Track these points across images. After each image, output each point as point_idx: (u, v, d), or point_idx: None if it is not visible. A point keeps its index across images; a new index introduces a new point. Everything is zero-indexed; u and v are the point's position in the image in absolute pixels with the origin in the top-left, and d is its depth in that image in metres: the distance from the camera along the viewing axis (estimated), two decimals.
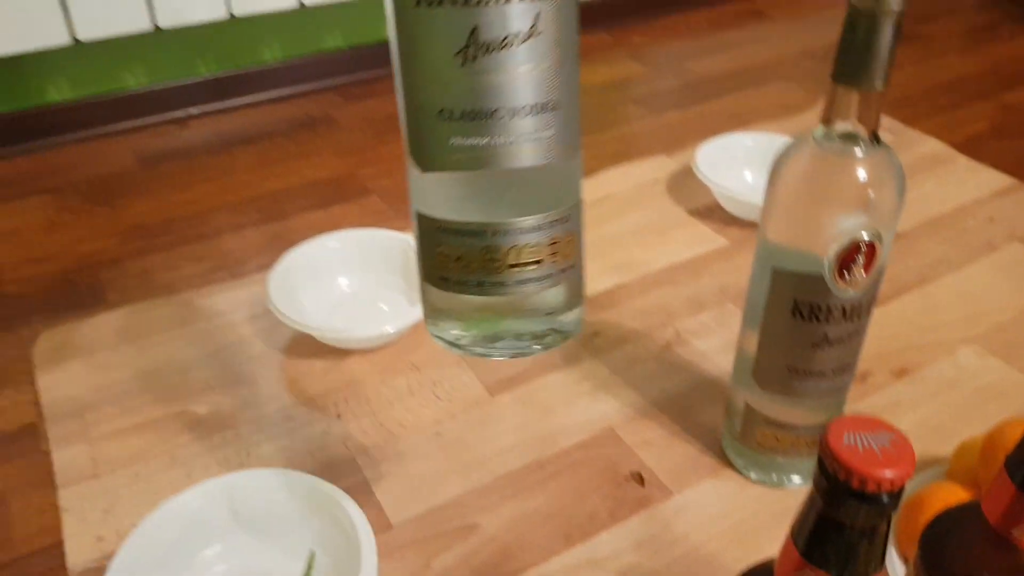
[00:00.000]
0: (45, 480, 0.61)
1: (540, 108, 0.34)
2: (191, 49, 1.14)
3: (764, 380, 0.54)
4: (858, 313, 0.50)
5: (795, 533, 0.29)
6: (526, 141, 0.34)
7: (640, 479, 0.60)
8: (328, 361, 0.71)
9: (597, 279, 0.82)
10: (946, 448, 0.58)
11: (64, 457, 0.62)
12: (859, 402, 0.67)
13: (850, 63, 0.44)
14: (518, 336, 0.39)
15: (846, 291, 0.49)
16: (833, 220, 0.47)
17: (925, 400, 0.67)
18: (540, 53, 0.33)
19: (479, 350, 0.39)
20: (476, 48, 0.32)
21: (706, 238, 0.88)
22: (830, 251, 0.47)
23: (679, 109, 1.20)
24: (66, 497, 0.59)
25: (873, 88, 0.45)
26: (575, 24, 0.35)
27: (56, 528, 0.57)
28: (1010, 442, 0.50)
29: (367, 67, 1.28)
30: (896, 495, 0.26)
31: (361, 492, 0.58)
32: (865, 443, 0.26)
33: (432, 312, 0.40)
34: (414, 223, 0.38)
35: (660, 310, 0.78)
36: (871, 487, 0.26)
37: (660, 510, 0.58)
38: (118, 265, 0.85)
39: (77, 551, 0.55)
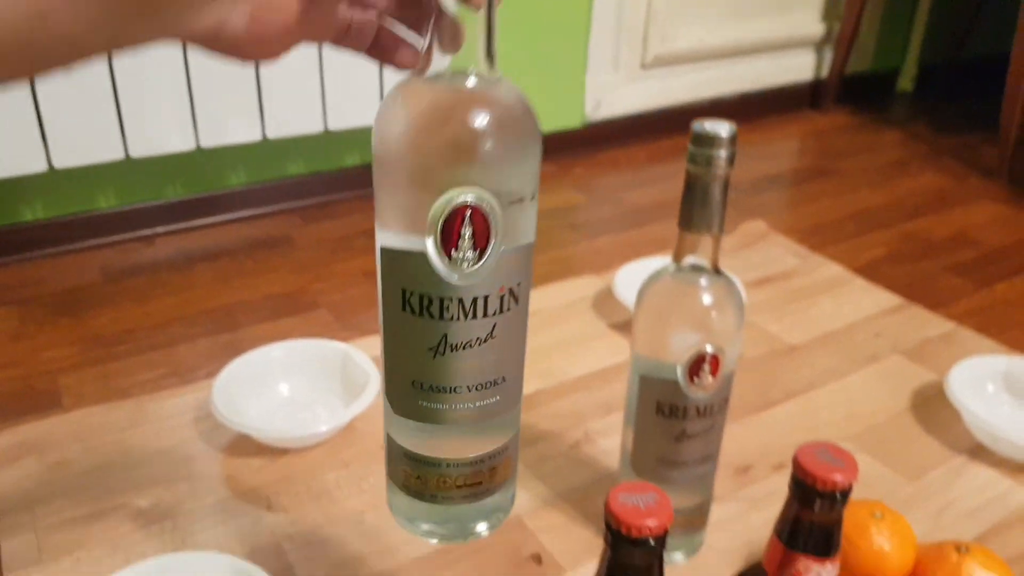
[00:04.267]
0: None
1: (491, 384, 0.42)
2: (160, 174, 1.25)
3: (640, 470, 0.62)
4: (711, 411, 0.59)
5: None
6: (477, 406, 0.43)
7: (539, 560, 0.66)
8: (264, 459, 0.77)
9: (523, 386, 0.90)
10: None
11: (12, 545, 0.67)
12: (740, 490, 0.75)
13: (690, 214, 0.55)
14: (464, 525, 0.47)
15: (697, 393, 0.58)
16: (683, 336, 0.57)
17: None
18: (495, 350, 0.41)
19: (428, 532, 0.48)
20: (445, 347, 0.40)
21: (621, 349, 0.97)
22: (682, 361, 0.57)
23: (611, 235, 1.32)
24: None
25: (711, 232, 0.55)
26: (525, 322, 0.43)
27: None
28: None
29: (326, 192, 1.40)
30: (660, 539, 0.34)
31: (284, 574, 0.64)
32: (634, 502, 0.34)
33: (394, 504, 0.49)
34: (386, 438, 0.47)
35: (573, 413, 0.86)
36: (639, 533, 0.34)
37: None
38: (76, 371, 0.92)
39: None
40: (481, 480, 0.45)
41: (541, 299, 1.08)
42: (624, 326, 1.02)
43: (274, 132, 1.22)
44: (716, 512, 0.71)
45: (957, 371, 0.85)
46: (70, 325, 1.01)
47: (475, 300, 0.39)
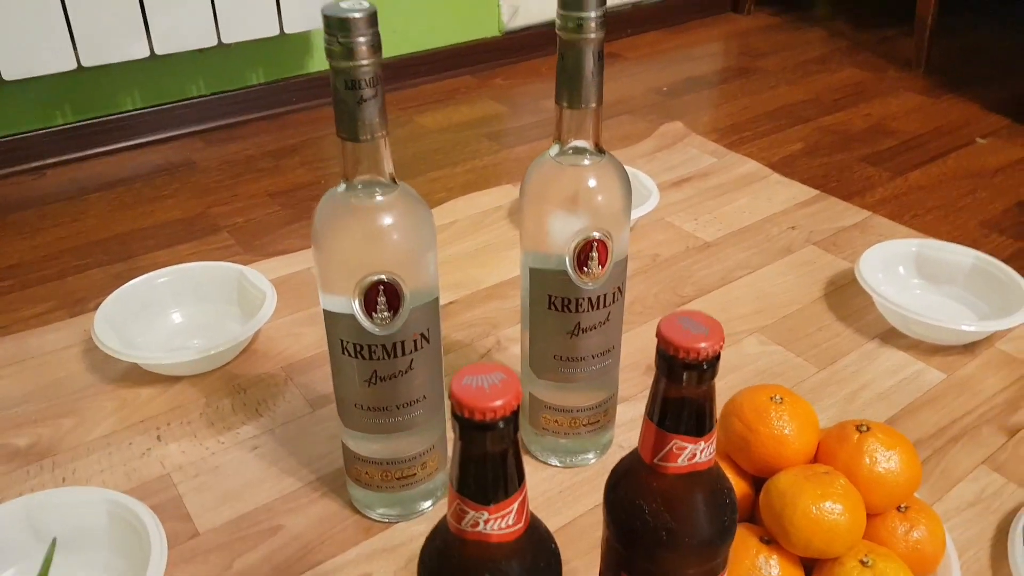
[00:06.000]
0: None
1: (414, 402, 0.54)
2: (46, 101, 1.16)
3: (538, 369, 0.60)
4: (604, 302, 0.56)
5: (450, 475, 0.34)
6: (405, 419, 0.55)
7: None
8: (155, 389, 0.73)
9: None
10: None
11: None
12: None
13: (566, 87, 0.51)
14: (406, 506, 0.60)
15: (587, 283, 0.55)
16: (568, 222, 0.54)
17: None
18: (416, 378, 0.53)
19: (382, 515, 0.61)
20: (376, 379, 0.52)
21: None
22: (568, 250, 0.54)
23: (529, 143, 1.28)
24: None
25: (588, 106, 0.51)
26: (440, 355, 0.55)
27: None
28: (738, 408, 0.56)
29: (229, 113, 1.32)
30: (510, 419, 0.31)
31: (171, 506, 0.61)
32: (479, 383, 0.31)
33: (355, 494, 0.61)
34: (343, 446, 0.59)
35: (486, 321, 0.83)
36: (485, 416, 0.31)
37: None
38: None
39: None
40: (416, 471, 0.58)
41: (455, 211, 1.05)
42: None
43: (164, 48, 1.14)
44: (625, 411, 0.70)
45: (868, 256, 0.85)
46: None
47: (395, 344, 0.51)
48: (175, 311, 0.81)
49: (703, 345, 0.34)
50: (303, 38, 1.35)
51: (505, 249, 0.96)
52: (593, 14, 0.47)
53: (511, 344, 0.80)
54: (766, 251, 0.96)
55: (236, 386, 0.74)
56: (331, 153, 1.24)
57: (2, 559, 0.54)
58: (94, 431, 0.69)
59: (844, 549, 0.50)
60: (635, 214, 0.94)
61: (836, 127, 1.32)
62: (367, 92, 0.45)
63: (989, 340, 0.80)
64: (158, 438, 0.68)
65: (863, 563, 0.49)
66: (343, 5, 0.43)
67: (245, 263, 0.89)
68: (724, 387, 0.74)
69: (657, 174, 1.12)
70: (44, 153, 1.18)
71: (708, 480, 0.38)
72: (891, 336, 0.81)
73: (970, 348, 0.79)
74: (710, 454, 0.37)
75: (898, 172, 1.17)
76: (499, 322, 0.83)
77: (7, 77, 1.04)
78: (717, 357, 0.34)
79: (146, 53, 1.14)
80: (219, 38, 1.18)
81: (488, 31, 1.56)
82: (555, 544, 0.37)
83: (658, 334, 0.35)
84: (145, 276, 0.81)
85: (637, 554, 0.39)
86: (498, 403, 0.31)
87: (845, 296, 0.87)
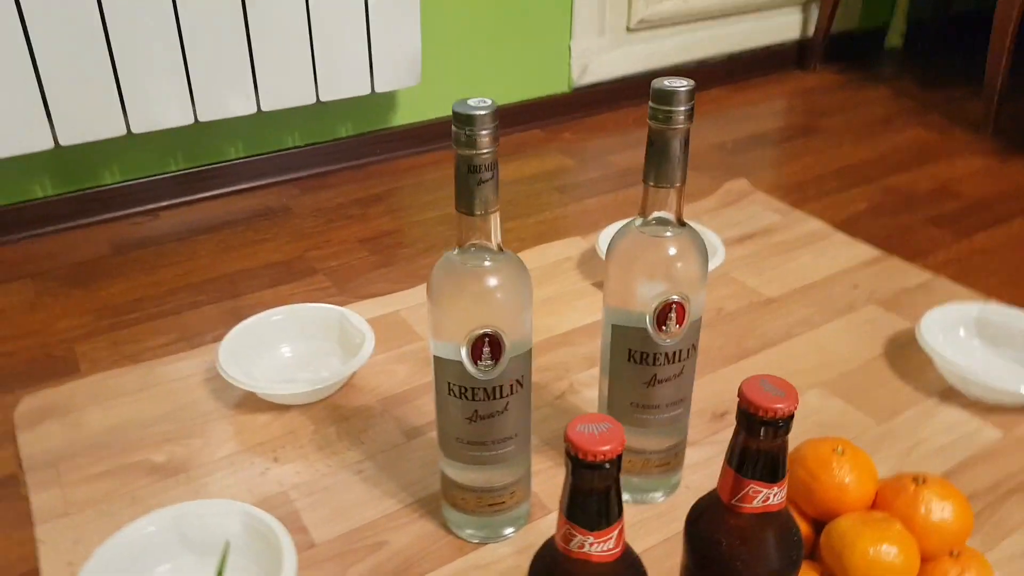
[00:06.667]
0: (24, 520, 0.71)
1: (508, 439, 0.62)
2: (162, 149, 1.29)
3: (615, 414, 0.67)
4: (679, 357, 0.63)
5: (560, 503, 0.41)
6: (499, 452, 0.62)
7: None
8: (270, 415, 0.82)
9: None
10: None
11: (40, 499, 0.72)
12: (715, 435, 0.80)
13: (654, 168, 0.59)
14: (494, 530, 0.68)
15: (665, 340, 0.62)
16: (650, 286, 0.61)
17: None
18: (511, 417, 0.61)
19: (470, 535, 0.68)
20: (477, 418, 0.60)
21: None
22: (649, 310, 0.61)
23: (598, 196, 1.35)
24: (42, 532, 0.69)
25: (673, 185, 0.59)
26: (530, 398, 0.63)
27: (32, 558, 0.67)
28: (802, 458, 0.62)
29: (321, 163, 1.43)
30: (614, 462, 0.39)
31: (290, 520, 0.69)
32: (590, 431, 0.39)
33: (450, 516, 0.69)
34: (441, 473, 0.67)
35: (559, 366, 0.91)
36: (595, 457, 0.38)
37: (542, 521, 0.69)
38: (90, 339, 0.96)
39: (49, 575, 0.65)
40: (505, 499, 0.66)
41: (529, 260, 1.11)
42: None
43: (269, 105, 1.26)
44: (692, 455, 0.76)
45: (929, 317, 0.90)
46: (82, 296, 1.05)
47: (495, 388, 0.59)
48: (285, 346, 0.91)
49: (780, 406, 0.40)
50: (390, 96, 1.46)
51: (575, 299, 1.04)
52: (682, 108, 0.55)
53: (583, 388, 0.87)
54: (828, 308, 1.01)
55: (340, 416, 0.82)
56: (409, 203, 1.33)
57: (155, 558, 0.63)
58: (219, 451, 0.78)
59: None
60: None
61: (901, 187, 1.37)
62: (485, 175, 0.53)
63: None
64: (275, 459, 0.77)
65: None
66: (470, 102, 0.52)
67: (341, 304, 0.98)
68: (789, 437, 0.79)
69: (722, 230, 1.18)
70: (159, 197, 1.30)
71: (779, 521, 0.44)
72: (950, 395, 0.85)
73: None
74: (781, 498, 0.44)
75: (963, 234, 1.21)
76: (571, 367, 0.90)
77: (135, 131, 1.17)
78: (791, 416, 0.41)
79: (254, 110, 1.26)
80: (317, 96, 1.30)
81: (559, 87, 1.65)
82: (644, 568, 0.44)
83: (740, 394, 0.42)
84: (261, 314, 0.90)
85: None
86: (607, 448, 0.38)
87: (906, 355, 0.91)
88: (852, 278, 1.08)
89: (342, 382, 0.85)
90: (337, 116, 1.43)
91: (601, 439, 0.38)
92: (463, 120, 0.51)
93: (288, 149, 1.41)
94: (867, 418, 0.82)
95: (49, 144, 1.10)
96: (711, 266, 1.01)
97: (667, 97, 0.55)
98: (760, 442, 0.42)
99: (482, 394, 0.59)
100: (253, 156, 1.37)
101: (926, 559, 0.58)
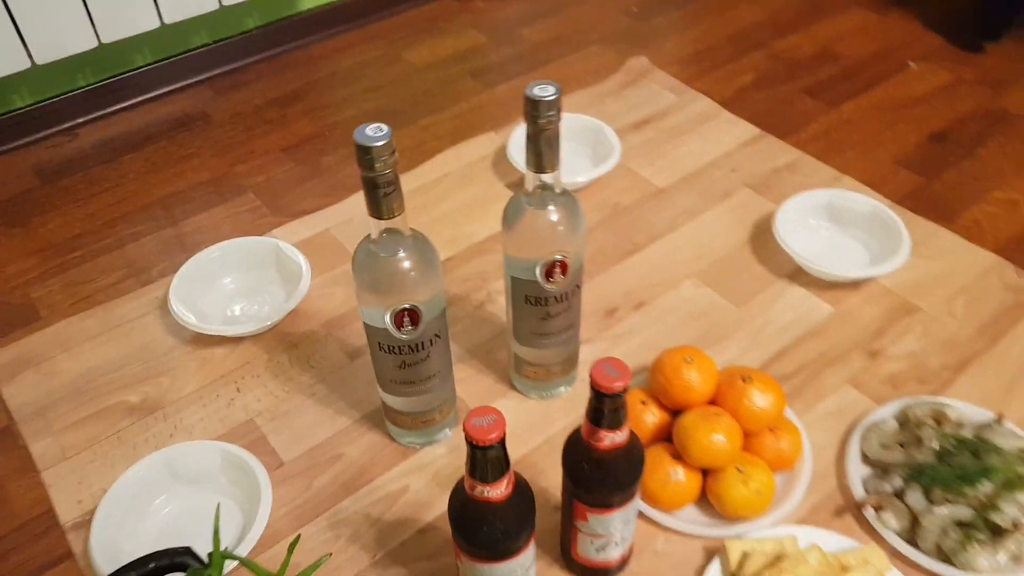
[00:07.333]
0: (28, 467, 0.84)
1: (431, 377, 0.76)
2: (69, 66, 1.29)
3: (520, 339, 0.82)
4: (566, 297, 0.77)
5: (466, 466, 0.56)
6: (426, 387, 0.76)
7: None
8: (226, 348, 0.95)
9: None
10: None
11: (38, 448, 0.85)
12: (607, 331, 0.96)
13: (534, 158, 0.69)
14: (429, 436, 0.83)
15: (553, 288, 0.75)
16: (538, 250, 0.73)
17: (651, 325, 0.96)
18: (432, 362, 0.74)
19: (410, 443, 0.84)
20: (404, 365, 0.73)
21: None
22: (539, 267, 0.74)
23: (509, 81, 1.42)
24: (48, 476, 0.83)
25: (549, 171, 0.69)
26: (448, 344, 0.76)
27: (45, 499, 0.81)
28: (661, 365, 0.79)
29: (232, 59, 1.45)
30: (498, 445, 0.53)
31: (259, 444, 0.84)
32: (481, 423, 0.53)
33: (392, 430, 0.84)
34: (382, 401, 0.82)
35: (477, 276, 1.04)
36: (484, 443, 0.53)
37: None
38: (42, 283, 1.04)
39: (65, 512, 0.80)
40: (435, 418, 0.82)
41: (445, 164, 1.21)
42: (518, 183, 1.17)
43: (171, 17, 1.26)
44: (587, 351, 0.92)
45: (787, 205, 1.04)
46: (23, 236, 1.12)
47: (417, 344, 0.72)
48: (227, 278, 1.01)
49: (616, 384, 0.55)
50: None
51: (490, 204, 1.14)
52: (552, 112, 0.65)
53: (499, 296, 1.01)
54: (708, 195, 1.14)
55: (288, 343, 0.95)
56: (327, 100, 1.38)
57: (153, 493, 0.78)
58: (186, 387, 0.91)
59: (727, 463, 0.74)
60: (599, 170, 1.12)
61: (786, 53, 1.46)
62: (388, 189, 0.63)
63: (874, 276, 1.01)
64: (237, 390, 0.90)
65: (738, 470, 0.74)
66: (368, 131, 0.60)
67: (274, 224, 1.08)
68: (663, 326, 0.96)
69: (623, 114, 1.28)
70: (74, 114, 1.32)
71: (624, 450, 0.61)
72: (797, 274, 1.01)
73: (858, 284, 1.00)
74: (623, 438, 0.60)
75: (833, 104, 1.34)
76: (488, 276, 1.03)
77: (39, 62, 1.17)
78: (625, 389, 0.56)
79: (156, 24, 1.26)
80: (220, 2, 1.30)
81: None
82: (531, 493, 0.61)
83: (591, 376, 0.56)
84: (200, 253, 1.00)
85: (581, 490, 0.63)
86: (493, 435, 0.53)
87: (765, 239, 1.06)
88: (732, 161, 1.21)
89: (286, 314, 0.97)
90: (243, 9, 1.42)
91: (488, 429, 0.53)
92: (363, 150, 0.60)
93: (196, 49, 1.41)
94: (729, 304, 0.99)
95: None
96: (608, 167, 1.13)
97: (537, 105, 0.64)
98: (605, 406, 0.57)
99: (407, 349, 0.72)
100: (162, 61, 1.38)
101: (751, 435, 0.77)
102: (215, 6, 1.29)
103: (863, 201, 1.05)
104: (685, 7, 1.63)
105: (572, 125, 1.20)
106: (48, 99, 1.29)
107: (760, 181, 1.17)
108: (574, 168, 1.16)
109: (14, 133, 1.27)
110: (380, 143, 0.60)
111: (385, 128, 0.61)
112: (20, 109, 1.27)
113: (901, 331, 0.95)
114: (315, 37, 1.51)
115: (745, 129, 1.27)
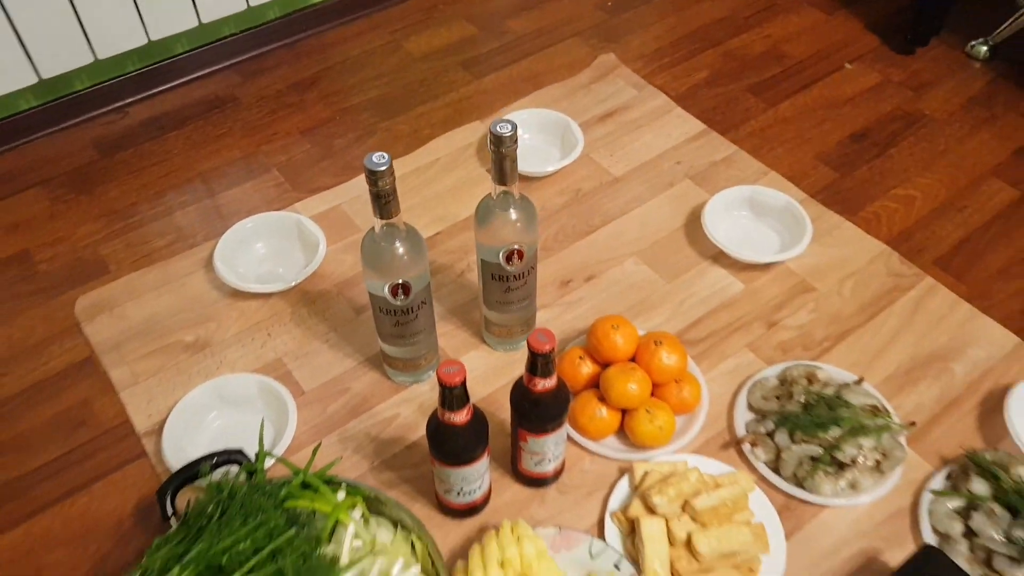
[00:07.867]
0: (108, 388, 1.10)
1: (419, 332, 1.00)
2: (121, 54, 1.51)
3: (488, 305, 1.07)
4: (523, 276, 1.01)
5: (438, 401, 0.82)
6: (415, 340, 1.01)
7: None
8: (258, 302, 1.20)
9: (427, 228, 1.30)
10: None
11: (116, 374, 1.11)
12: (561, 298, 1.20)
13: (498, 175, 0.92)
14: (417, 376, 1.06)
15: (512, 269, 1.00)
16: (501, 239, 0.97)
17: (598, 294, 1.21)
18: (420, 321, 0.99)
19: (402, 381, 1.08)
20: (398, 323, 0.99)
21: None
22: (500, 254, 0.98)
23: (496, 72, 1.62)
24: (125, 396, 1.09)
25: (510, 184, 0.93)
26: (432, 307, 1.01)
27: (123, 413, 1.07)
28: (594, 329, 1.04)
29: (256, 46, 1.66)
30: (460, 386, 0.79)
31: (286, 377, 1.10)
32: (450, 371, 0.78)
33: (388, 371, 1.07)
34: (380, 348, 1.05)
35: (460, 249, 1.28)
36: (451, 384, 0.78)
37: None
38: (108, 243, 1.28)
39: (139, 423, 1.06)
40: (422, 363, 1.06)
41: (436, 149, 1.44)
42: None
43: (208, 17, 1.47)
44: (544, 315, 1.17)
45: (717, 198, 1.28)
46: (89, 203, 1.36)
47: (408, 308, 0.95)
48: (259, 244, 1.25)
49: (546, 347, 0.80)
50: None
51: (473, 186, 1.37)
52: (511, 145, 0.88)
53: (476, 267, 1.25)
54: (656, 184, 1.37)
55: (308, 299, 1.20)
56: (339, 86, 1.59)
57: (206, 410, 1.05)
58: (229, 331, 1.16)
59: (639, 405, 1.00)
60: (564, 161, 1.35)
61: (738, 52, 1.66)
62: (387, 199, 0.87)
63: (781, 260, 1.25)
64: (268, 335, 1.16)
65: (647, 411, 0.99)
66: (374, 159, 0.84)
67: (295, 200, 1.32)
68: (607, 296, 1.21)
69: (591, 107, 1.50)
70: (124, 95, 1.55)
71: (552, 392, 0.86)
72: (719, 257, 1.25)
73: (768, 267, 1.24)
74: (553, 383, 0.85)
75: (772, 103, 1.55)
76: (469, 249, 1.27)
77: (101, 57, 1.39)
78: (553, 350, 0.81)
79: (195, 24, 1.47)
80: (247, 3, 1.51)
81: None
82: (486, 420, 0.86)
83: (528, 343, 0.81)
84: (237, 223, 1.24)
85: (522, 420, 0.89)
86: (457, 379, 0.78)
87: (697, 225, 1.29)
88: (678, 154, 1.43)
89: (308, 275, 1.21)
90: (267, 5, 1.63)
91: (454, 376, 0.78)
92: (371, 173, 0.84)
93: (225, 38, 1.62)
94: (660, 279, 1.23)
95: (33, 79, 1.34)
96: (573, 157, 1.36)
97: (500, 139, 0.87)
98: (538, 362, 0.82)
99: (400, 312, 0.97)
100: (196, 48, 1.60)
101: (660, 385, 1.02)
102: (243, 6, 1.50)
103: (778, 196, 1.29)
104: (653, 1, 1.80)
105: (544, 120, 1.43)
106: (102, 82, 1.51)
107: (699, 173, 1.39)
108: (544, 159, 1.39)
109: (76, 111, 1.49)
110: (383, 168, 0.84)
111: (386, 156, 0.84)
112: (80, 91, 1.49)
113: (797, 307, 1.19)
114: (328, 25, 1.71)
115: (693, 125, 1.49)
